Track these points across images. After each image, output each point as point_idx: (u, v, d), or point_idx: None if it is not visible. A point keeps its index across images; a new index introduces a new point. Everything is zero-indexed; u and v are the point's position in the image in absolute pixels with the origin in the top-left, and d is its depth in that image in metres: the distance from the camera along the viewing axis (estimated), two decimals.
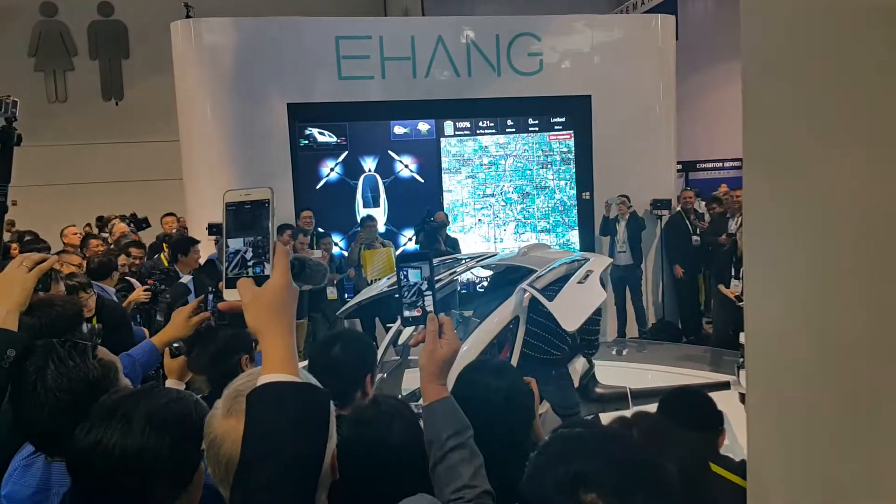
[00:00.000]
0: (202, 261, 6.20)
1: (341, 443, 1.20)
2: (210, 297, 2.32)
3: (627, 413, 1.11)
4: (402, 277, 1.52)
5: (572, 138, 9.37)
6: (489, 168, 9.34)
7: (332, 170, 8.92)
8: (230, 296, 1.14)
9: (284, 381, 1.05)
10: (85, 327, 2.67)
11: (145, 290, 5.05)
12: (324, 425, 1.07)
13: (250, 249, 1.15)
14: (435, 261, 5.83)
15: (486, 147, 9.31)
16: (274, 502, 0.99)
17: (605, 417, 3.95)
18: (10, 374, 1.60)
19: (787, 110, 0.71)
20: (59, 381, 1.60)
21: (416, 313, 1.51)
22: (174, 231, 9.04)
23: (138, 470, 1.29)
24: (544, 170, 9.45)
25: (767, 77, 0.74)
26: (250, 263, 1.15)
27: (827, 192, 0.66)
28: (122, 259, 5.88)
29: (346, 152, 8.92)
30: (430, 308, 1.50)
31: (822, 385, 0.67)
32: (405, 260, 1.54)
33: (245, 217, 1.16)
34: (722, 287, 7.31)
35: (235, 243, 1.16)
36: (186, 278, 5.62)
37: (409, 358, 5.03)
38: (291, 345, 1.11)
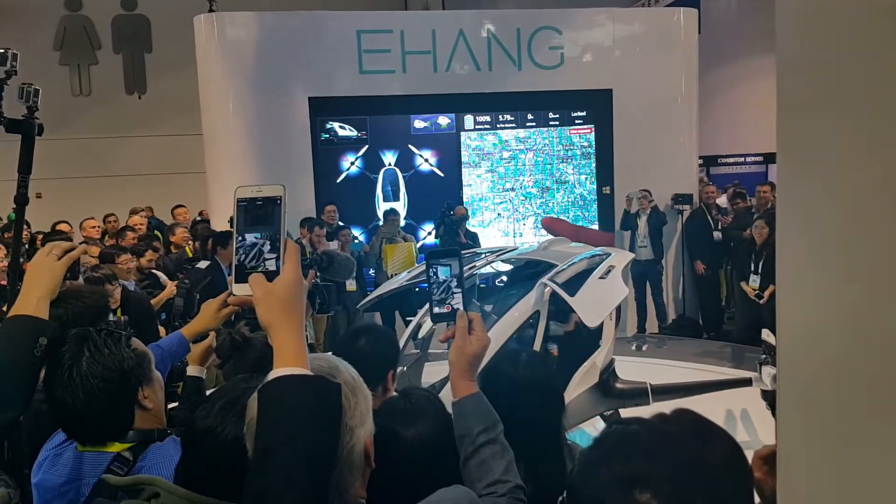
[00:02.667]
0: None
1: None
2: None
3: (667, 410, 1.10)
4: (432, 274, 1.53)
5: (593, 132, 9.31)
6: (509, 162, 9.32)
7: (352, 164, 8.94)
8: (240, 290, 1.16)
9: (296, 374, 1.08)
10: (111, 317, 2.69)
11: (178, 285, 5.05)
12: (335, 417, 1.09)
13: (268, 243, 1.16)
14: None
15: (506, 141, 9.28)
16: (288, 492, 1.01)
17: (629, 413, 3.94)
18: (42, 363, 1.62)
19: (822, 105, 0.70)
20: (94, 367, 1.62)
21: (445, 310, 1.52)
22: (199, 222, 9.10)
23: (245, 457, 1.31)
24: (564, 164, 9.40)
25: (801, 71, 0.73)
26: (268, 258, 1.16)
27: (862, 188, 0.65)
28: (148, 255, 5.92)
29: (367, 146, 8.94)
30: (458, 305, 1.51)
31: (856, 385, 0.67)
32: (434, 256, 1.55)
33: (257, 213, 1.18)
34: (743, 283, 7.24)
35: (250, 238, 1.17)
36: (203, 263, 5.63)
37: (429, 352, 5.04)
38: (302, 339, 1.13)
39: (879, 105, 0.63)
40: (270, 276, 1.14)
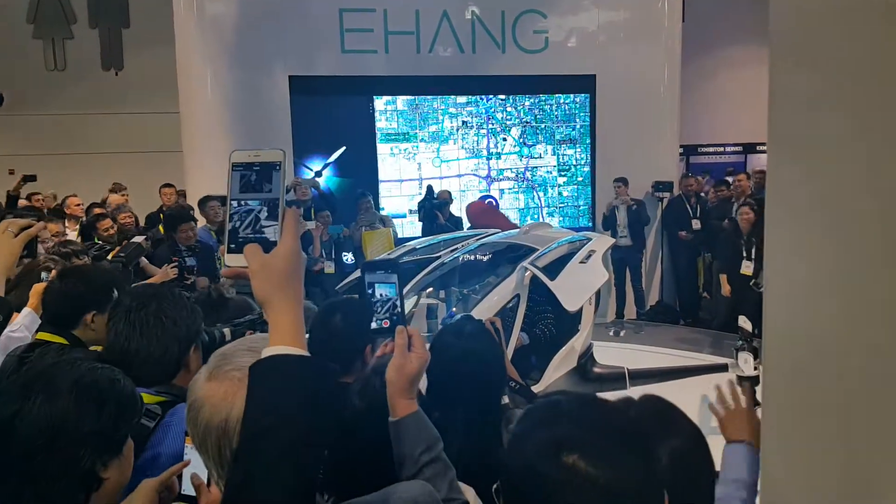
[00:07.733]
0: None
1: (346, 412, 1.20)
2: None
3: (634, 395, 1.15)
4: (370, 291, 1.45)
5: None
6: None
7: None
8: (234, 261, 1.08)
9: (292, 354, 1.01)
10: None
11: (172, 267, 4.90)
12: (331, 402, 1.04)
13: (265, 210, 1.08)
14: (437, 237, 5.82)
15: None
16: (274, 479, 0.95)
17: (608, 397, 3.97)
18: None
19: (814, 96, 0.70)
20: (176, 311, 1.82)
21: (383, 325, 1.44)
22: (177, 202, 8.98)
23: (63, 436, 1.25)
24: None
25: (795, 63, 0.72)
26: (265, 226, 1.08)
27: (851, 177, 0.65)
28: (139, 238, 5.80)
29: None
30: (397, 320, 1.43)
31: (843, 376, 0.67)
32: (371, 269, 1.46)
33: (253, 179, 1.09)
34: (723, 278, 7.15)
35: (246, 205, 1.09)
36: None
37: None
38: (300, 316, 1.05)
39: (871, 100, 0.62)
40: (267, 246, 1.06)
